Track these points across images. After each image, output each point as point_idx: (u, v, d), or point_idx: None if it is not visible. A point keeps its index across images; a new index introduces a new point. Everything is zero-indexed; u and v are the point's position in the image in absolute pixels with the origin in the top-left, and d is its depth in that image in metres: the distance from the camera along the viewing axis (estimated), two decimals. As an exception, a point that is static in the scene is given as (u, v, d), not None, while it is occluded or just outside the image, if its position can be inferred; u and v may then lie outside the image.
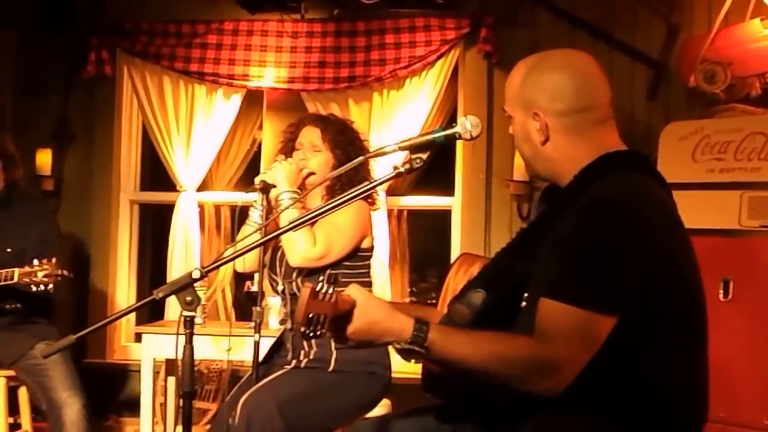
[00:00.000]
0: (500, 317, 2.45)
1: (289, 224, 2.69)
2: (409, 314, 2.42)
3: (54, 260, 4.63)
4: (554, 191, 2.66)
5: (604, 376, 2.33)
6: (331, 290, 2.31)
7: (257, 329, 3.94)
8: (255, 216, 4.13)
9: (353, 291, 2.39)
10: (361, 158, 2.99)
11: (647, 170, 2.55)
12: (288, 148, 4.25)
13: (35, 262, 4.64)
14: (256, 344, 3.95)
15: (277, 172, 4.01)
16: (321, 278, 2.35)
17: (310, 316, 2.30)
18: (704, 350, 2.48)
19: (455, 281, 2.80)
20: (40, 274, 4.62)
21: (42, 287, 4.63)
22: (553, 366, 2.28)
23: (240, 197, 4.14)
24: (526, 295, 2.40)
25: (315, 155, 4.14)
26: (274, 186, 4.05)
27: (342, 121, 4.35)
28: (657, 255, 2.33)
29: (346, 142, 4.16)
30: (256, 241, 2.80)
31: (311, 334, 2.34)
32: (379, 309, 2.38)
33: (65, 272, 4.71)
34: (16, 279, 4.65)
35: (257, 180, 4.06)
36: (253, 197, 4.14)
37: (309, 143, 4.16)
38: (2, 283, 4.69)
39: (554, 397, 2.29)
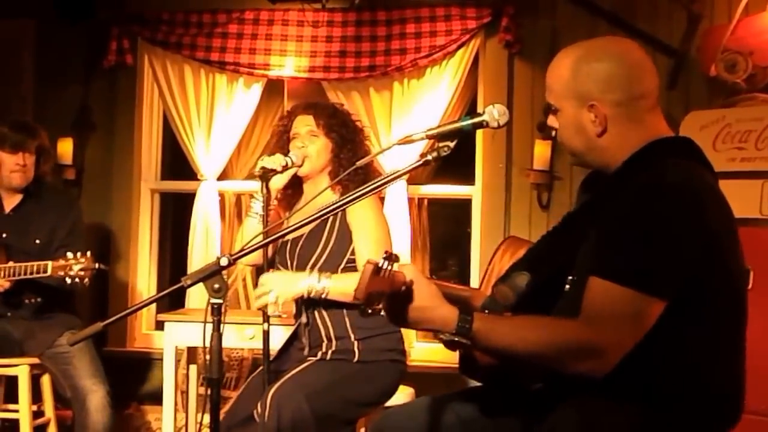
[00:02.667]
0: (544, 300, 2.49)
1: (312, 216, 2.70)
2: (456, 294, 2.46)
3: (89, 254, 4.70)
4: (596, 178, 2.69)
5: (647, 362, 2.34)
6: (390, 267, 2.32)
7: (266, 318, 3.97)
8: (257, 207, 4.15)
9: (409, 271, 2.40)
10: (389, 145, 3.00)
11: (696, 157, 2.55)
12: (283, 140, 4.25)
13: (69, 255, 4.70)
14: (265, 333, 3.97)
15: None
16: (384, 255, 2.35)
17: (371, 292, 2.32)
18: (743, 339, 2.49)
19: (501, 263, 2.83)
20: (75, 268, 4.68)
21: (78, 281, 4.70)
22: (599, 349, 2.29)
23: (255, 186, 4.16)
24: (570, 278, 2.40)
25: (313, 141, 4.15)
26: (274, 171, 4.07)
27: (331, 106, 4.38)
28: (709, 240, 2.34)
29: (339, 125, 4.17)
30: (282, 231, 2.81)
31: (370, 311, 2.35)
32: (429, 295, 2.40)
33: (101, 265, 4.78)
34: (49, 272, 4.71)
35: (257, 167, 4.08)
36: (255, 186, 4.17)
37: (305, 131, 4.17)
38: (35, 275, 4.75)
39: (599, 378, 2.31)
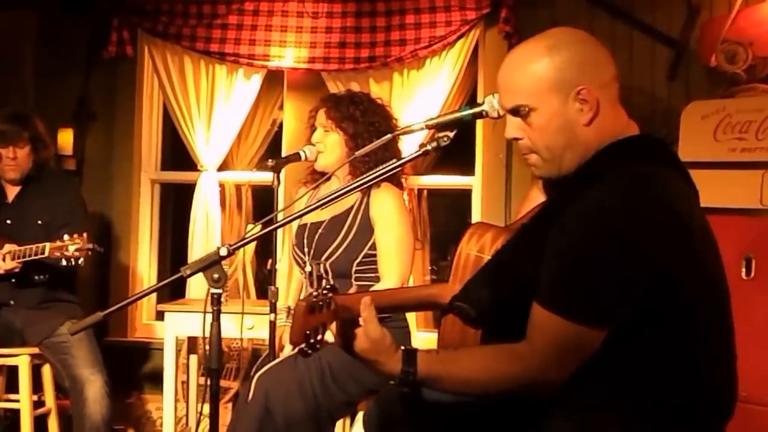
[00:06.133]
0: (505, 318, 2.46)
1: (314, 204, 2.71)
2: (424, 295, 2.50)
3: (85, 235, 4.73)
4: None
5: (636, 372, 2.33)
6: (325, 302, 2.35)
7: (273, 309, 3.98)
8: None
9: (364, 307, 2.43)
10: (384, 138, 3.01)
11: (662, 159, 2.48)
12: (312, 132, 4.30)
13: (65, 237, 4.72)
14: (272, 324, 3.98)
15: None
16: (315, 292, 2.36)
17: (307, 332, 2.32)
18: (731, 342, 2.46)
19: (467, 248, 2.78)
20: (71, 248, 4.70)
21: (73, 261, 4.71)
22: (542, 380, 2.32)
23: (254, 176, 4.19)
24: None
25: (327, 135, 4.18)
26: (287, 162, 4.11)
27: (346, 96, 4.38)
28: (661, 262, 2.26)
29: (350, 116, 4.18)
30: (291, 216, 2.82)
31: (309, 350, 2.36)
32: (374, 343, 2.43)
33: (96, 246, 4.79)
34: (47, 253, 4.75)
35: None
36: (263, 178, 4.20)
37: (320, 124, 4.21)
38: (34, 257, 4.78)
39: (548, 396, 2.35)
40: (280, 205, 5.11)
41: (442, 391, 2.51)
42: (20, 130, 5.16)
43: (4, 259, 4.85)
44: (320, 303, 2.33)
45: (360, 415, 4.14)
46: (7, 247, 4.88)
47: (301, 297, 4.21)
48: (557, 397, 2.36)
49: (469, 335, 2.61)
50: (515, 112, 2.49)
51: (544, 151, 2.49)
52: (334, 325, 2.46)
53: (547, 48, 2.45)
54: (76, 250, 4.71)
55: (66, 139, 6.38)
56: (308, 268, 4.16)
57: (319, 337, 2.36)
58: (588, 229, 2.26)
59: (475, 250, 2.79)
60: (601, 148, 2.44)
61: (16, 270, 4.90)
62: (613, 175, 2.33)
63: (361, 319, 2.43)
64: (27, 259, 4.82)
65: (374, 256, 4.07)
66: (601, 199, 2.28)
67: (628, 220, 2.24)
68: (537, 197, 2.81)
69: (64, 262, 4.74)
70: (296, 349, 2.39)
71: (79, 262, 4.76)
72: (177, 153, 6.69)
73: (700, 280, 2.37)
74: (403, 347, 2.43)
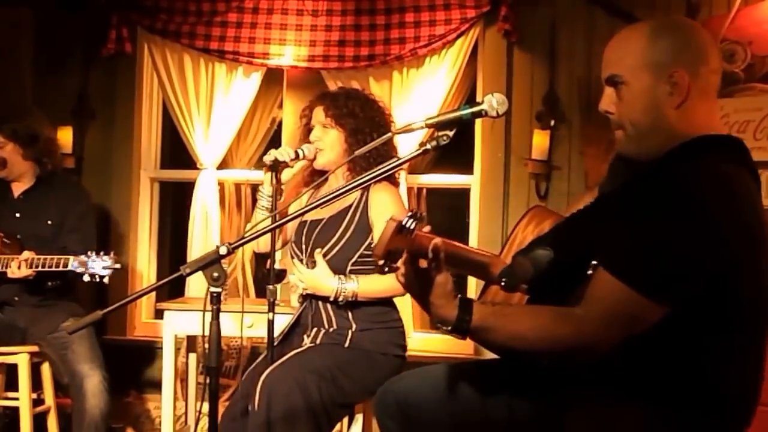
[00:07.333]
0: (562, 280, 2.47)
1: (315, 202, 2.72)
2: (476, 259, 2.62)
3: (112, 253, 4.80)
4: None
5: (658, 366, 2.35)
6: (414, 226, 2.35)
7: (271, 308, 3.98)
8: (263, 202, 4.17)
9: (432, 253, 2.43)
10: (385, 136, 3.02)
11: (741, 159, 2.50)
12: (306, 131, 4.28)
13: (91, 253, 4.79)
14: (270, 323, 3.98)
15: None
16: (409, 213, 2.37)
17: (390, 249, 2.34)
18: (762, 347, 2.47)
19: (524, 233, 2.79)
20: (98, 265, 4.76)
21: (97, 278, 4.80)
22: (589, 345, 2.32)
23: (253, 175, 4.18)
24: (593, 263, 2.38)
25: (326, 133, 4.17)
26: (285, 164, 4.10)
27: (343, 93, 4.36)
28: (730, 256, 2.29)
29: (349, 113, 4.17)
30: (288, 217, 2.83)
31: (387, 269, 2.38)
32: (437, 286, 2.44)
33: (120, 265, 4.96)
34: (71, 266, 4.77)
35: (269, 157, 4.09)
36: (262, 177, 4.18)
37: (318, 122, 4.19)
38: (54, 268, 4.83)
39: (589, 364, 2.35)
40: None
41: (490, 346, 2.54)
42: None
43: (19, 267, 4.88)
44: (409, 227, 2.33)
45: (359, 417, 4.16)
46: (26, 254, 4.91)
47: (298, 295, 4.22)
48: (577, 388, 2.39)
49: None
50: (609, 81, 2.56)
51: (629, 126, 2.55)
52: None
53: (654, 29, 2.52)
54: (105, 267, 4.79)
55: (65, 137, 6.38)
56: (304, 265, 4.15)
57: (398, 261, 2.39)
58: (669, 205, 2.30)
59: (532, 235, 2.81)
60: (688, 140, 2.47)
61: (30, 277, 4.93)
62: (694, 164, 2.37)
63: (429, 257, 2.42)
64: (45, 270, 4.86)
65: (369, 256, 4.06)
66: (685, 181, 2.32)
67: (708, 207, 2.28)
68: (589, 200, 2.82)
69: (87, 278, 4.82)
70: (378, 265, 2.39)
71: (105, 279, 4.83)
72: (176, 151, 6.70)
73: (756, 285, 2.40)
74: (460, 296, 2.44)
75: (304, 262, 4.14)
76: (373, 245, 4.04)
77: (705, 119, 2.51)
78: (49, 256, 4.88)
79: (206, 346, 2.69)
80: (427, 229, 2.49)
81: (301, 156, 4.12)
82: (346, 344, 3.97)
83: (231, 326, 4.71)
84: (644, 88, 2.49)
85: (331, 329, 4.02)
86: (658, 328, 2.30)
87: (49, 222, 5.21)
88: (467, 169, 6.25)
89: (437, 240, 2.44)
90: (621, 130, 2.58)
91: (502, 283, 2.62)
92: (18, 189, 5.34)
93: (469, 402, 2.77)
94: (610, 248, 2.35)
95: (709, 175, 2.34)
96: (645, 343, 2.31)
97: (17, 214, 5.25)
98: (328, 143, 4.15)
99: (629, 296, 2.27)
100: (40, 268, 4.88)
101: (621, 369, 2.35)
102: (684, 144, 2.46)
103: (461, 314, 2.39)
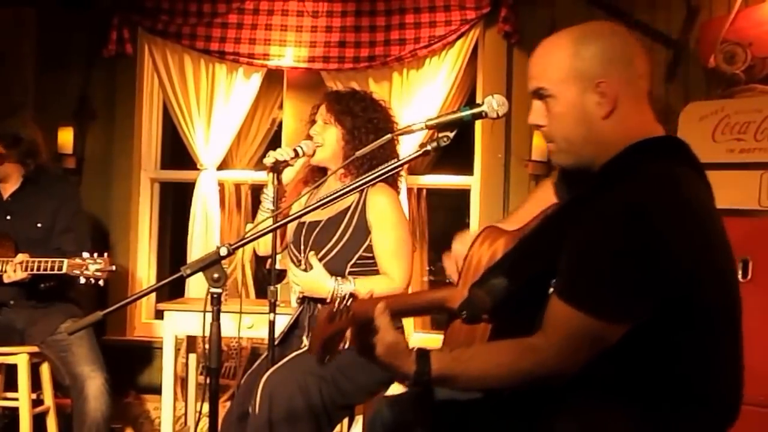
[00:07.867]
0: (521, 306, 2.46)
1: (313, 204, 2.72)
2: (432, 298, 2.49)
3: (107, 255, 4.79)
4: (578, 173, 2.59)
5: (641, 371, 2.34)
6: (344, 310, 2.40)
7: (272, 309, 3.98)
8: (267, 204, 4.17)
9: (378, 312, 2.45)
10: (384, 138, 3.02)
11: (684, 159, 2.48)
12: (312, 128, 4.29)
13: (85, 255, 4.78)
14: (271, 323, 3.98)
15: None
16: (336, 301, 2.40)
17: (325, 339, 2.36)
18: (739, 339, 2.46)
19: (478, 254, 2.77)
20: (92, 268, 4.77)
21: (93, 281, 4.79)
22: (556, 372, 2.32)
23: (254, 176, 4.18)
24: (553, 281, 2.36)
25: (326, 129, 4.17)
26: (286, 163, 4.10)
27: (347, 93, 4.36)
28: (683, 263, 2.27)
29: (349, 111, 4.17)
30: (288, 218, 2.83)
31: (327, 359, 2.42)
32: (388, 348, 2.44)
33: (114, 267, 4.94)
34: (65, 269, 4.80)
35: (268, 160, 4.10)
36: (262, 177, 4.19)
37: (320, 119, 4.20)
38: (49, 272, 4.83)
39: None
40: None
41: (456, 390, 2.54)
42: None
43: (15, 270, 4.87)
44: (339, 312, 2.35)
45: (359, 419, 4.16)
46: (20, 257, 4.90)
47: (296, 296, 4.23)
48: (564, 395, 2.37)
49: (476, 337, 2.63)
50: (536, 94, 2.52)
51: (562, 141, 2.52)
52: (349, 331, 2.49)
53: (576, 38, 2.47)
54: (98, 270, 4.79)
55: (66, 137, 6.38)
56: (302, 267, 4.15)
57: (336, 347, 2.42)
58: (612, 225, 2.27)
59: (487, 255, 2.78)
60: (625, 147, 2.44)
61: (26, 280, 4.92)
62: (636, 173, 2.33)
63: (375, 325, 2.43)
64: (41, 273, 4.86)
65: (369, 258, 4.06)
66: (625, 196, 2.28)
67: (652, 219, 2.24)
68: (546, 198, 2.80)
69: (82, 280, 4.83)
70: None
71: (100, 282, 4.82)
72: (176, 152, 6.70)
73: (718, 284, 2.38)
74: (416, 348, 2.44)
75: (302, 263, 4.14)
76: (372, 245, 4.07)
77: (639, 124, 2.48)
78: (43, 259, 4.87)
79: (206, 346, 2.69)
80: (367, 294, 2.51)
81: (300, 153, 4.12)
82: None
83: (230, 327, 4.71)
84: (572, 100, 2.46)
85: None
86: (633, 332, 2.29)
87: (39, 225, 5.18)
88: (467, 170, 6.25)
89: (379, 305, 2.46)
90: (553, 143, 2.55)
91: (463, 317, 2.62)
92: (6, 191, 5.31)
93: (457, 410, 2.76)
94: (561, 274, 2.33)
95: (653, 183, 2.30)
96: (622, 347, 2.29)
97: (8, 217, 5.22)
98: (327, 139, 4.15)
99: (585, 322, 2.26)
100: (35, 271, 4.87)
101: (603, 374, 2.33)
102: (622, 152, 2.43)
103: (419, 369, 2.38)
